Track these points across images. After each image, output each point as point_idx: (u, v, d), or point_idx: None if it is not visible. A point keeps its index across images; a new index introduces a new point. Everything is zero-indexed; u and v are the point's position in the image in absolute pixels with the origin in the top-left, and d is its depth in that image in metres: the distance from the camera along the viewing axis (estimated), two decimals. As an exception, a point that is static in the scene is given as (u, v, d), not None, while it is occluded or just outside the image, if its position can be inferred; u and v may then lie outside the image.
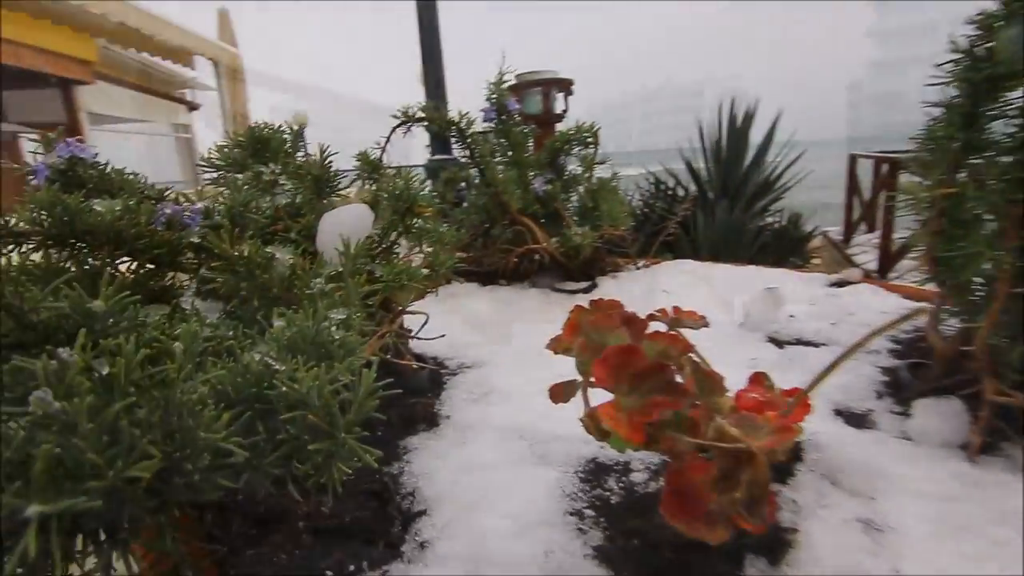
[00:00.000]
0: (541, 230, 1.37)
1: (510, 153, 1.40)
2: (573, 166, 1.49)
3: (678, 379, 0.44)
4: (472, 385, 0.89)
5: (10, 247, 0.62)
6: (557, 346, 0.55)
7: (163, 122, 9.20)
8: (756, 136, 3.61)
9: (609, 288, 1.39)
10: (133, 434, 0.32)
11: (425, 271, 0.80)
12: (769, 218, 3.54)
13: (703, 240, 3.07)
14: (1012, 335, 0.64)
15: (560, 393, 0.52)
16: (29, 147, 0.71)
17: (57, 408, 0.29)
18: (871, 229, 4.93)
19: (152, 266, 0.70)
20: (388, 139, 1.20)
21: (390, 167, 1.08)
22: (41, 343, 0.40)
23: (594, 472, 0.64)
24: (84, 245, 0.64)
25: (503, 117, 1.35)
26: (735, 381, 0.54)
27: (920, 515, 0.55)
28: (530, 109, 2.76)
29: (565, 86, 2.91)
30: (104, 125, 7.56)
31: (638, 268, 1.54)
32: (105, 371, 0.32)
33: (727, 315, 1.12)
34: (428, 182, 0.92)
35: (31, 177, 0.69)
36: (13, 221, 0.62)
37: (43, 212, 0.60)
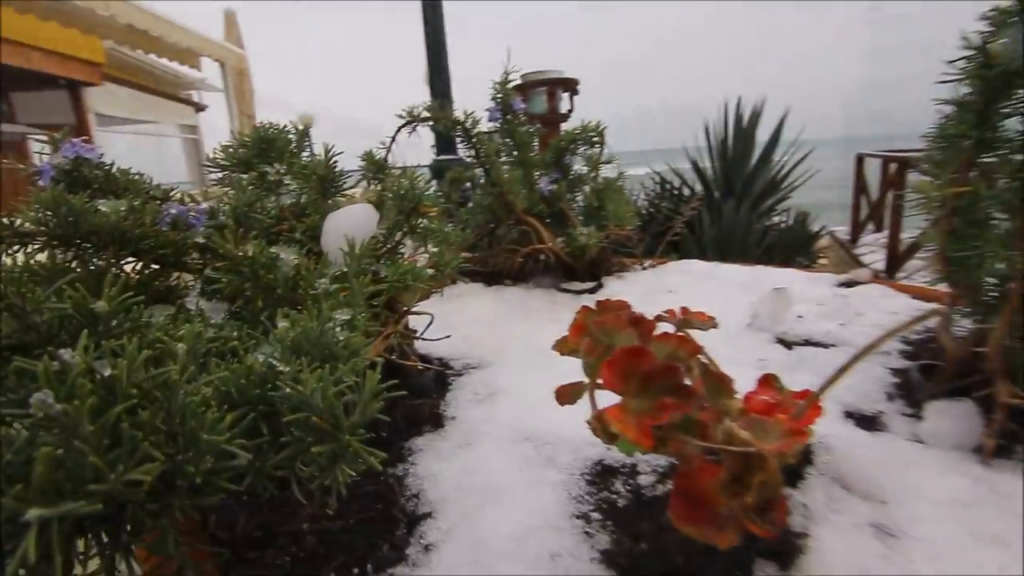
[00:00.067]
0: (547, 230, 1.36)
1: (515, 153, 1.39)
2: (579, 166, 1.48)
3: (687, 381, 0.43)
4: (477, 386, 0.89)
5: (15, 248, 0.62)
6: (563, 347, 0.54)
7: (170, 123, 9.25)
8: (763, 135, 3.59)
9: (615, 288, 1.38)
10: (135, 436, 0.31)
11: (430, 271, 0.80)
12: (776, 217, 3.52)
13: (709, 240, 3.06)
14: (1027, 336, 0.63)
15: (566, 395, 0.51)
16: (37, 148, 0.71)
17: (58, 410, 0.29)
18: (878, 229, 4.90)
19: (157, 266, 0.70)
20: (393, 139, 1.20)
21: (396, 167, 1.08)
22: (44, 344, 0.40)
23: (601, 474, 0.64)
24: (89, 245, 0.64)
25: (508, 116, 1.35)
26: (743, 383, 0.54)
27: (934, 520, 0.54)
28: (535, 109, 2.76)
29: (570, 86, 2.90)
30: (112, 126, 7.61)
31: (644, 268, 1.53)
32: (107, 372, 0.32)
33: (734, 315, 1.11)
34: (433, 182, 0.91)
35: (37, 178, 0.69)
36: (18, 221, 0.62)
37: (47, 212, 0.60)
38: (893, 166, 4.42)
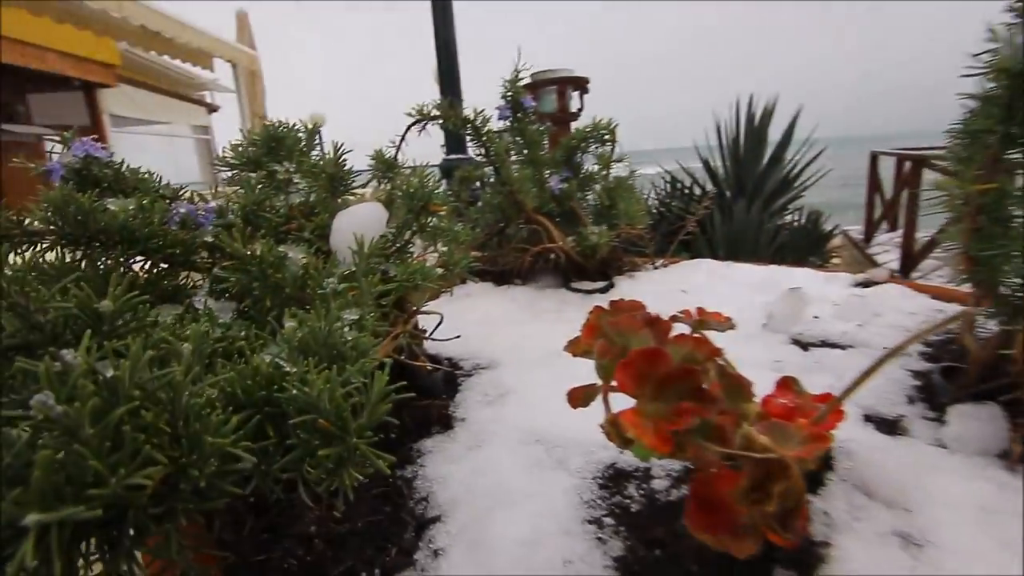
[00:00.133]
0: (557, 229, 1.35)
1: (525, 151, 1.38)
2: (589, 164, 1.46)
3: (704, 385, 0.42)
4: (487, 387, 0.88)
5: (24, 246, 0.61)
6: (576, 348, 0.53)
7: (183, 124, 9.32)
8: (775, 133, 3.55)
9: (626, 288, 1.36)
10: (137, 439, 0.31)
11: (440, 270, 0.79)
12: (788, 216, 3.48)
13: (720, 239, 3.03)
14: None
15: (579, 397, 0.50)
16: (51, 148, 0.71)
17: (58, 412, 0.28)
18: (893, 228, 4.83)
19: (166, 265, 0.69)
20: (403, 137, 1.19)
21: (406, 167, 1.07)
22: (48, 344, 0.39)
23: (613, 478, 0.62)
24: (98, 244, 0.64)
25: (519, 115, 1.33)
26: (760, 385, 0.52)
27: (959, 528, 0.52)
28: (545, 108, 2.75)
29: (580, 84, 2.88)
30: (126, 127, 7.68)
31: (655, 268, 1.52)
32: (109, 373, 0.31)
33: (749, 316, 1.09)
34: (443, 182, 0.90)
35: (47, 176, 0.69)
36: (28, 220, 0.62)
37: (56, 211, 0.60)
38: (908, 164, 4.36)
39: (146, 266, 0.68)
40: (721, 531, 0.42)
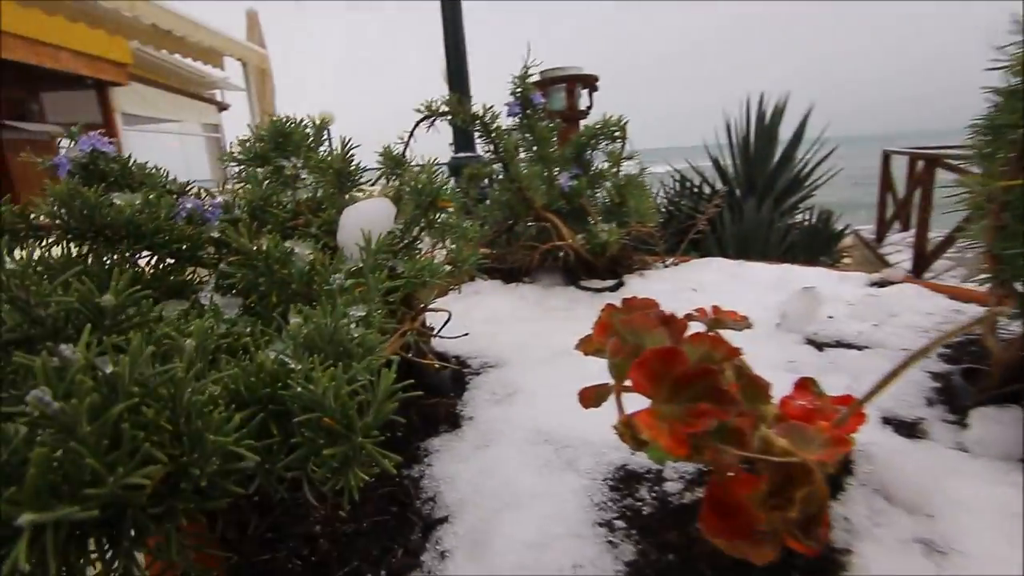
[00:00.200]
0: (566, 226, 1.33)
1: (535, 148, 1.36)
2: (599, 161, 1.45)
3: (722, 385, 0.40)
4: (495, 385, 0.86)
5: (30, 240, 0.61)
6: (587, 347, 0.52)
7: (194, 122, 9.38)
8: (786, 132, 3.51)
9: (636, 286, 1.35)
10: (137, 437, 0.30)
11: (448, 267, 0.78)
12: (798, 216, 3.45)
13: (729, 238, 3.00)
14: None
15: (591, 397, 0.48)
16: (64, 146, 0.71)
17: (55, 408, 0.27)
18: (905, 227, 4.77)
19: (172, 261, 0.69)
20: (411, 133, 1.18)
21: (414, 164, 1.06)
22: (49, 339, 0.38)
23: (624, 480, 0.61)
24: (104, 239, 0.63)
25: (528, 112, 1.32)
26: (776, 386, 0.50)
27: (983, 535, 0.50)
28: (554, 105, 2.73)
29: (589, 82, 2.87)
30: (137, 125, 7.74)
31: (666, 266, 1.50)
32: (108, 369, 0.30)
33: (762, 315, 1.07)
34: (451, 179, 0.89)
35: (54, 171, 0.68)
36: (34, 215, 0.62)
37: (62, 205, 0.59)
38: (920, 163, 4.29)
39: (152, 261, 0.68)
40: (738, 536, 0.41)
